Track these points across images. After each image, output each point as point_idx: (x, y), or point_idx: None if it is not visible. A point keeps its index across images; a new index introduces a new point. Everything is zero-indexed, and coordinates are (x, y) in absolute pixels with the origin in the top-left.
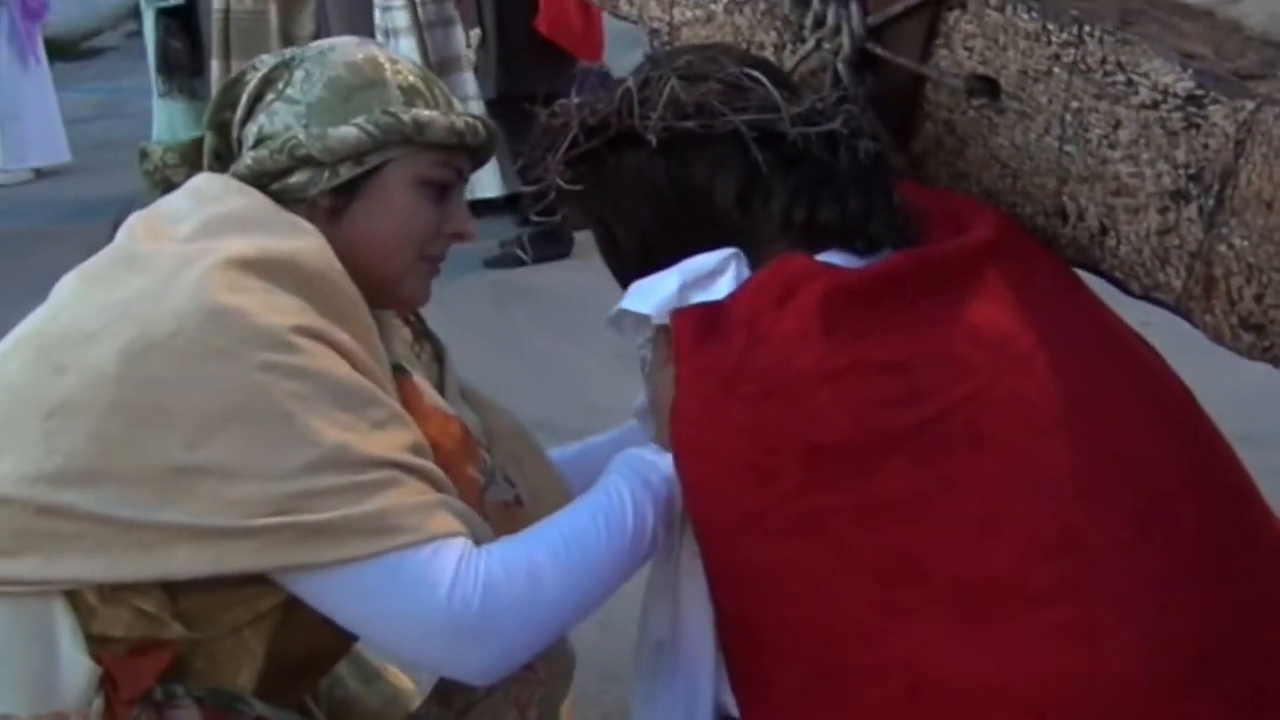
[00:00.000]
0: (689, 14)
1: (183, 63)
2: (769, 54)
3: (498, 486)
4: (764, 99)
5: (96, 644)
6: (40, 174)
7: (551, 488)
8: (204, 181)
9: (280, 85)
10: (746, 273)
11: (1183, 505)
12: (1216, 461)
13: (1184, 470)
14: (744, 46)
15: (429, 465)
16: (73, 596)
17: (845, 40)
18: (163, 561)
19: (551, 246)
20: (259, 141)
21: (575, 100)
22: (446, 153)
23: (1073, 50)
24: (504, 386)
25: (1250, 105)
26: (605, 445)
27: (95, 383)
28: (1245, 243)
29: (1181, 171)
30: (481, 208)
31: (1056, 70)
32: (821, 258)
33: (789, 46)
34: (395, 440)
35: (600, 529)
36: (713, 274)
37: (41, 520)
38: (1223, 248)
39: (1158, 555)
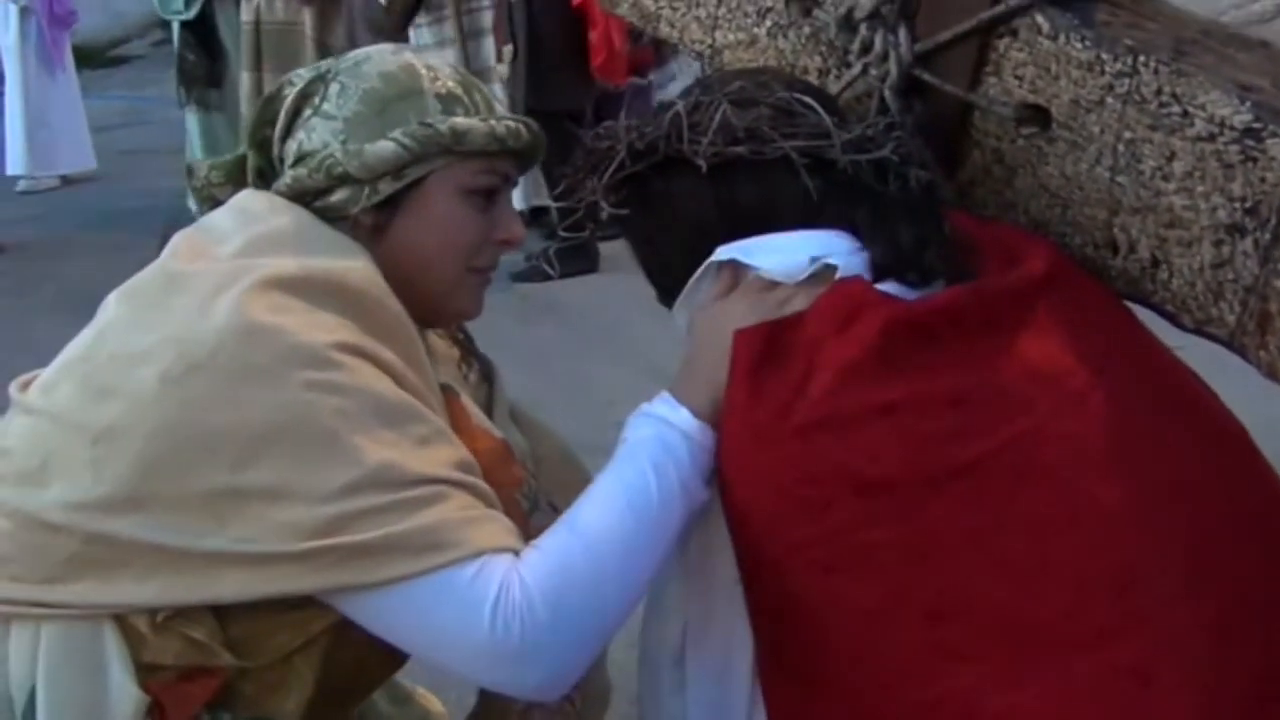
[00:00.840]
0: (731, 37)
1: (198, 75)
2: (814, 79)
3: (541, 512)
4: (815, 125)
5: (146, 672)
6: (67, 181)
7: None
8: (248, 199)
9: (317, 100)
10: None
11: (1243, 545)
12: (1276, 501)
13: (1243, 509)
14: (789, 70)
15: (475, 480)
16: (123, 624)
17: (892, 67)
18: (212, 586)
19: (578, 261)
20: (298, 159)
21: (623, 123)
22: (489, 159)
23: (1127, 80)
24: (530, 404)
25: None
26: None
27: (139, 407)
28: None
29: (1238, 205)
30: None
31: (1110, 100)
32: (881, 286)
33: (833, 72)
34: (440, 456)
35: (629, 522)
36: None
37: (91, 548)
38: (1279, 282)
39: (1215, 597)
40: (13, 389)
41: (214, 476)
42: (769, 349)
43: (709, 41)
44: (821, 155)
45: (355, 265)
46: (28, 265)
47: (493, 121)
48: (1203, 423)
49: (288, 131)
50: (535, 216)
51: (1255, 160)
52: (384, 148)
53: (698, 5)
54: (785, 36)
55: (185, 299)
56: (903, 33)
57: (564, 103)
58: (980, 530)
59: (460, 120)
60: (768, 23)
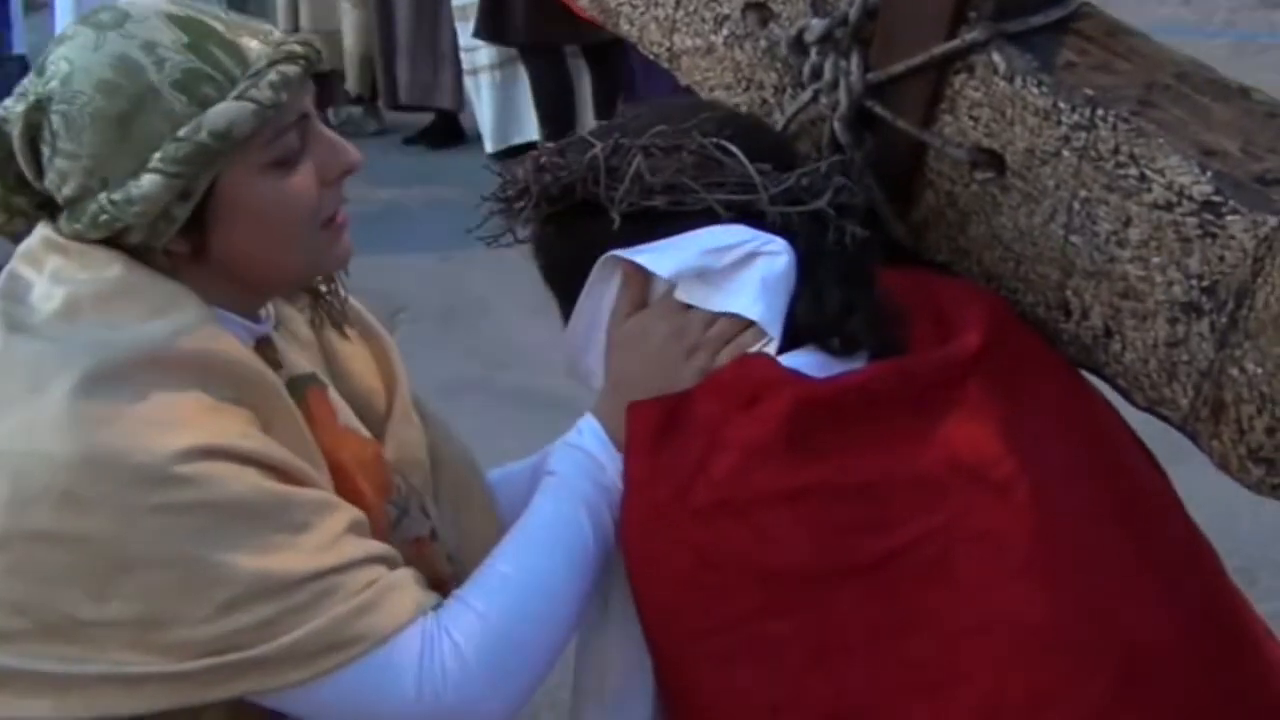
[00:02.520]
0: (689, 42)
1: None
2: (769, 95)
3: (410, 520)
4: (740, 175)
5: None
6: None
7: (487, 526)
8: (47, 245)
9: (47, 135)
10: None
11: (1170, 665)
12: (1215, 610)
13: (1175, 624)
14: (744, 84)
15: (367, 546)
16: None
17: (842, 96)
18: (102, 705)
19: None
20: (69, 204)
21: (541, 159)
22: (274, 119)
23: (1084, 134)
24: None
25: (1273, 221)
26: (527, 471)
27: None
28: (1259, 370)
29: (1194, 282)
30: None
31: (1066, 153)
32: (792, 356)
33: (788, 90)
34: (323, 536)
35: (559, 563)
36: (737, 265)
37: None
38: (1234, 371)
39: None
40: None
41: (77, 610)
42: (667, 424)
43: (667, 45)
44: (749, 208)
45: (186, 323)
46: None
47: (255, 91)
48: (1140, 520)
49: (38, 169)
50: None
51: (1214, 237)
52: (150, 185)
53: (656, 5)
54: (742, 48)
55: (9, 399)
56: (855, 61)
57: (563, 37)
58: (887, 629)
59: (218, 114)
60: (724, 31)
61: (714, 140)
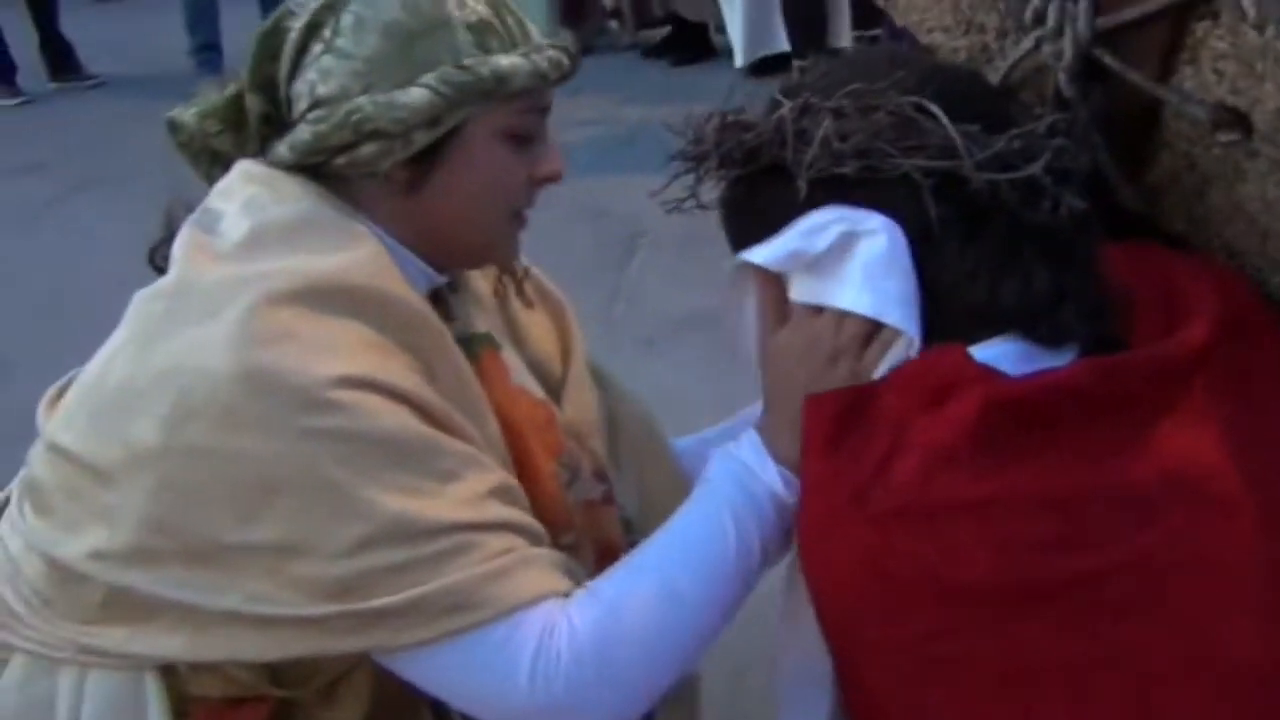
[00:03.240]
0: None
1: None
2: (990, 39)
3: (582, 483)
4: (943, 139)
5: (194, 703)
6: None
7: (670, 488)
8: (247, 176)
9: (327, 33)
10: (901, 259)
11: None
12: None
13: None
14: (964, 27)
15: (510, 514)
16: (165, 667)
17: (1067, 45)
18: (233, 646)
19: None
20: (313, 105)
21: (728, 117)
22: (531, 96)
23: None
24: None
25: None
26: (722, 435)
27: (140, 459)
28: None
29: None
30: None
31: None
32: (991, 346)
33: (1011, 35)
34: (468, 490)
35: (698, 570)
36: (837, 251)
37: (117, 597)
38: None
39: None
40: (41, 410)
41: (220, 532)
42: (847, 419)
43: None
44: (952, 174)
45: (363, 259)
46: None
47: (535, 56)
48: None
49: (294, 70)
50: (777, 69)
51: None
52: (418, 96)
53: None
54: None
55: (185, 322)
56: (1083, 4)
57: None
58: (1079, 666)
59: (502, 60)
60: None
61: (913, 100)
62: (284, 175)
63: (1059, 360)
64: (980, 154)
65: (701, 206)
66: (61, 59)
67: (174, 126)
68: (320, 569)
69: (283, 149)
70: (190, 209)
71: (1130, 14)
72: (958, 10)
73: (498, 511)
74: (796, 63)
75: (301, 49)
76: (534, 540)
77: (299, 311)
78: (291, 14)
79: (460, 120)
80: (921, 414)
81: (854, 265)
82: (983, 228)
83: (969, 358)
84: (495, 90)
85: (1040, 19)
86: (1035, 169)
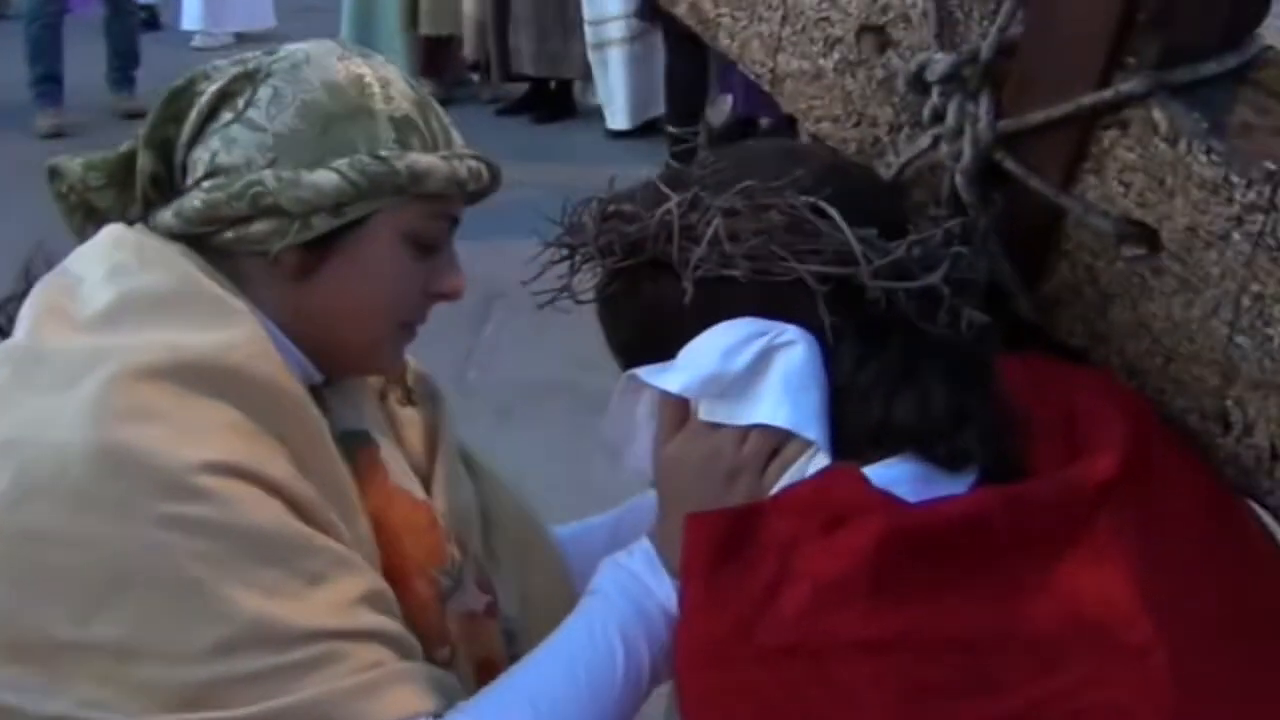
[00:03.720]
0: (795, 65)
1: None
2: (882, 133)
3: (464, 594)
4: (840, 243)
5: None
6: (242, 38)
7: (553, 590)
8: (116, 241)
9: (240, 103)
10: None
11: None
12: None
13: None
14: (854, 118)
15: (381, 623)
16: None
17: (967, 146)
18: None
19: None
20: (210, 173)
21: (609, 206)
22: (443, 202)
23: (1260, 217)
24: None
25: None
26: (607, 527)
27: None
28: None
29: None
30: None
31: (1237, 237)
32: (890, 465)
33: (905, 130)
34: (338, 595)
35: (583, 690)
36: (753, 369)
37: None
38: None
39: None
40: None
41: (54, 627)
42: (731, 541)
43: (770, 65)
44: (848, 281)
45: (239, 339)
46: None
47: (455, 162)
48: None
49: (197, 135)
50: (644, 134)
51: None
52: (325, 180)
53: (760, 20)
54: (854, 76)
55: (32, 390)
56: (984, 105)
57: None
58: None
59: (420, 158)
60: (835, 55)
61: (809, 200)
62: (158, 243)
63: (957, 484)
64: (878, 261)
65: (576, 300)
66: None
67: (54, 173)
68: (167, 674)
69: (168, 215)
70: (52, 264)
71: (1034, 118)
72: (849, 101)
73: (368, 620)
74: (669, 129)
75: (209, 115)
76: (405, 653)
77: (165, 389)
78: (206, 77)
79: (365, 214)
80: (812, 541)
81: (771, 379)
82: (880, 340)
83: (865, 482)
84: (408, 187)
85: (939, 117)
86: (934, 279)
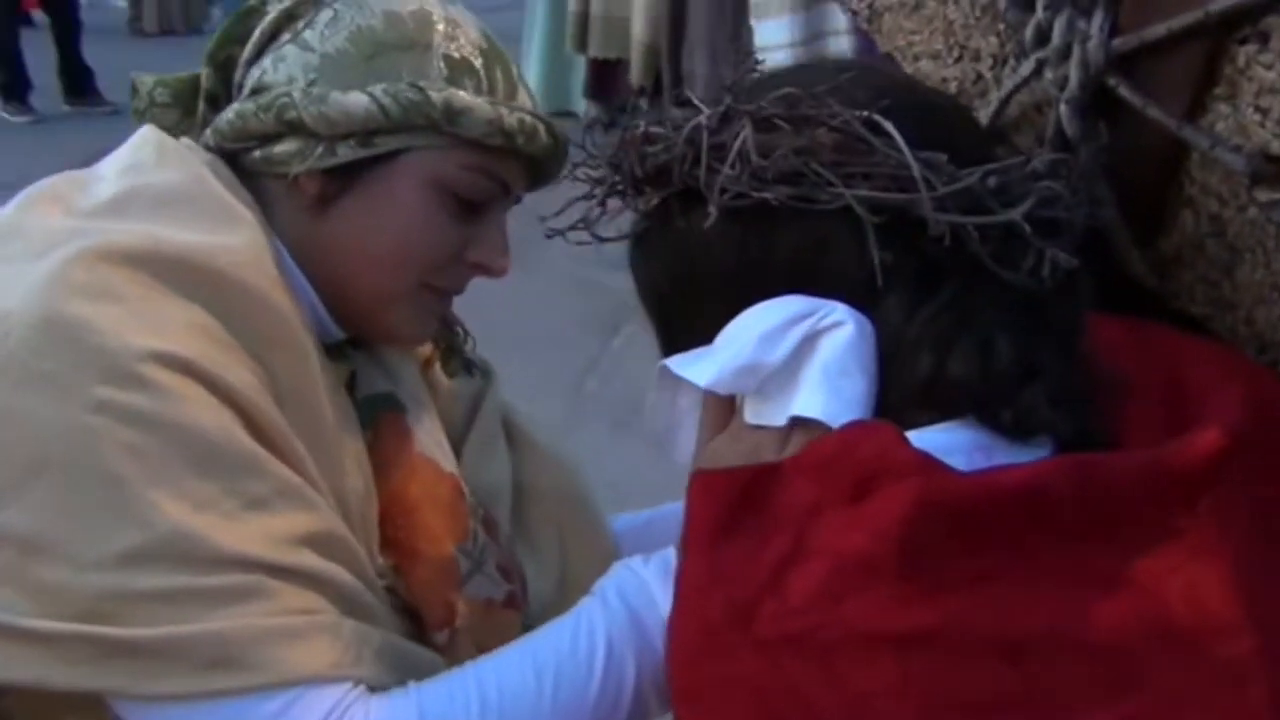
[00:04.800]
0: None
1: None
2: (985, 68)
3: (484, 577)
4: (897, 164)
5: None
6: None
7: (599, 569)
8: (141, 139)
9: (300, 25)
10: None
11: None
12: None
13: None
14: (956, 52)
15: (325, 568)
16: None
17: (1074, 70)
18: None
19: None
20: (255, 91)
21: (641, 128)
22: (487, 155)
23: None
24: None
25: None
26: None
27: None
28: None
29: None
30: None
31: None
32: (937, 431)
33: (1010, 62)
34: (278, 526)
35: (546, 699)
36: (795, 359)
37: None
38: None
39: None
40: None
41: None
42: (740, 507)
43: (868, 1)
44: (905, 211)
45: (238, 244)
46: None
47: (502, 107)
48: None
49: (258, 54)
50: None
51: None
52: (354, 101)
53: None
54: (956, 3)
55: (3, 260)
56: (1097, 19)
57: None
58: None
59: (461, 94)
60: None
61: (862, 113)
62: (181, 144)
63: (1024, 457)
64: (943, 188)
65: (598, 238)
66: (78, 83)
67: (133, 89)
68: (70, 579)
69: (208, 131)
70: None
71: (1155, 32)
72: (950, 33)
73: (309, 561)
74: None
75: (272, 35)
76: (355, 612)
77: (133, 275)
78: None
79: (396, 148)
80: (836, 509)
81: (813, 367)
82: (936, 283)
83: (902, 440)
84: (442, 124)
85: (1044, 38)
86: (1014, 214)
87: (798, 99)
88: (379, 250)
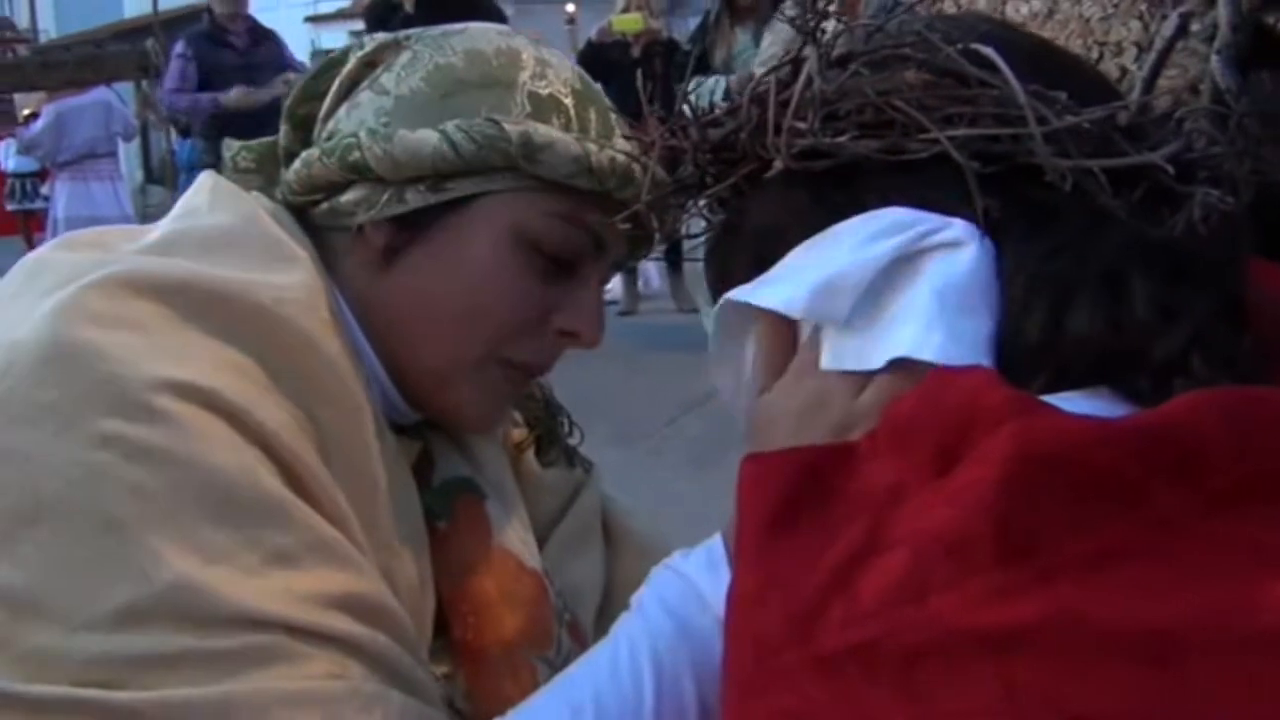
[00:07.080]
0: (1024, 9)
1: None
2: (1129, 60)
3: None
4: (1000, 98)
5: None
6: None
7: None
8: (196, 186)
9: (379, 71)
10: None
11: None
12: None
13: None
14: (1097, 51)
15: (357, 632)
16: None
17: (1222, 9)
18: None
19: None
20: (328, 137)
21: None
22: (576, 200)
23: None
24: None
25: None
26: None
27: None
28: None
29: None
30: None
31: None
32: (1058, 400)
33: (1155, 44)
34: (303, 585)
35: None
36: (893, 275)
37: None
38: None
39: None
40: None
41: None
42: (803, 497)
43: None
44: (1013, 155)
45: (281, 280)
46: None
47: (590, 144)
48: None
49: (335, 107)
50: None
51: None
52: (422, 140)
53: None
54: None
55: (31, 294)
56: None
57: None
58: None
59: (541, 128)
60: None
61: (958, 46)
62: (239, 189)
63: None
64: (1059, 122)
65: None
66: None
67: (220, 157)
68: (62, 643)
69: (280, 187)
70: None
71: None
72: (1088, 31)
73: (340, 624)
74: None
75: (351, 86)
76: (398, 683)
77: (159, 309)
78: (359, 47)
79: (472, 192)
80: (922, 488)
81: (919, 293)
82: (1055, 236)
83: (996, 380)
84: (520, 161)
85: None
86: (1154, 157)
87: (882, 38)
88: (446, 310)
